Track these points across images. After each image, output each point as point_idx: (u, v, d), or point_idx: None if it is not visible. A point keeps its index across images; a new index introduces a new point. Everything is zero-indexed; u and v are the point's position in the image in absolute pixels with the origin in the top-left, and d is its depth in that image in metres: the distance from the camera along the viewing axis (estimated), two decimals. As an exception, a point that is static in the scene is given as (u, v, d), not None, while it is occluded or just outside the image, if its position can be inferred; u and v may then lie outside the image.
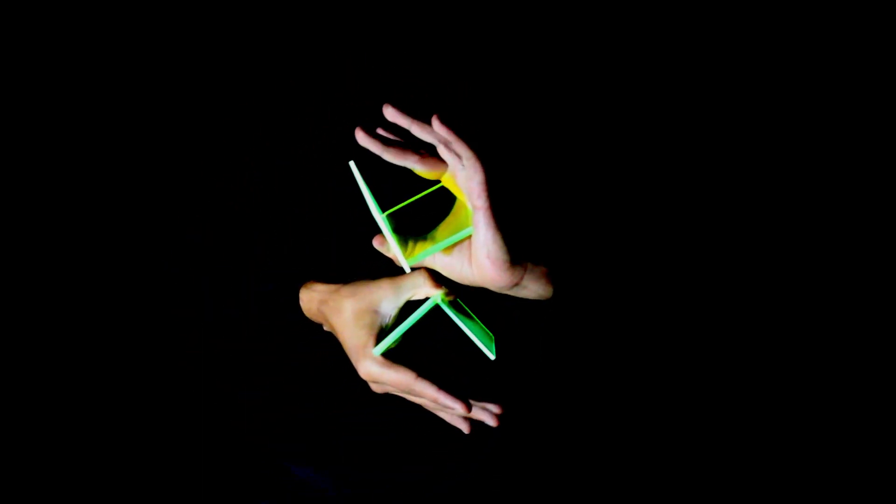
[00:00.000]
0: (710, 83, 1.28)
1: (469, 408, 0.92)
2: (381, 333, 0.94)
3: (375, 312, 0.95)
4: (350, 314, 0.96)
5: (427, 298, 0.95)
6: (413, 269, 0.93)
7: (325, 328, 1.02)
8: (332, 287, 1.00)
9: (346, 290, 0.98)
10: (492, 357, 0.93)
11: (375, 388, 0.96)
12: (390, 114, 0.88)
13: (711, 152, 1.28)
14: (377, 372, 0.93)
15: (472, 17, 1.08)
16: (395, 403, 1.00)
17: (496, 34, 1.09)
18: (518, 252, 0.89)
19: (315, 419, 1.14)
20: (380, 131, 0.90)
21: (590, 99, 1.12)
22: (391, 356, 0.93)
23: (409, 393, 0.94)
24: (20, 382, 1.49)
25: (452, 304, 0.94)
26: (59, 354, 1.50)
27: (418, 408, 0.98)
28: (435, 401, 0.92)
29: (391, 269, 0.95)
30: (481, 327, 0.96)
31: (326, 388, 1.12)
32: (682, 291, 1.08)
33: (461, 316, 0.93)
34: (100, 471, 1.53)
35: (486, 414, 0.94)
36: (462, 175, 0.85)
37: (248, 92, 1.10)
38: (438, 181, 0.90)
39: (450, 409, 0.92)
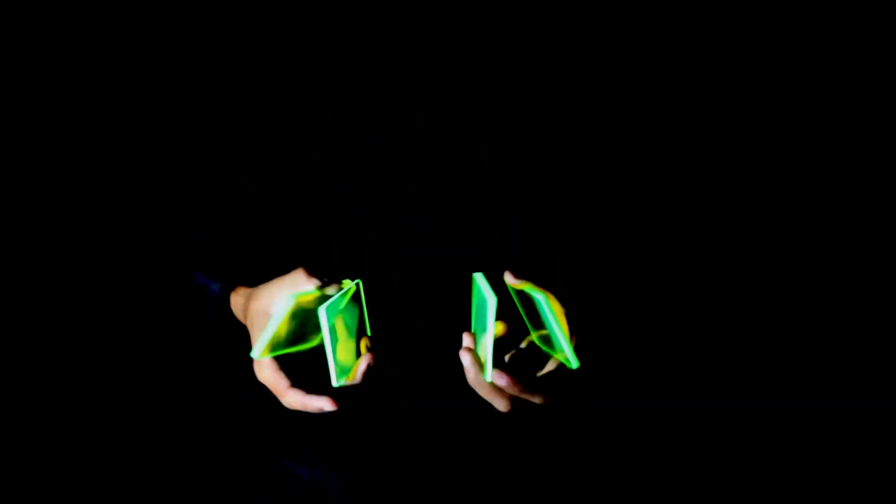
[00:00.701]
0: (701, 110, 1.28)
1: (336, 402, 0.88)
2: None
3: (268, 315, 0.92)
4: (252, 317, 0.93)
5: (315, 297, 0.88)
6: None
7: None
8: (250, 290, 0.97)
9: (255, 293, 0.94)
10: (333, 383, 0.88)
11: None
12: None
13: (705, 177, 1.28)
14: (265, 375, 0.89)
15: (472, 17, 1.08)
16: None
17: (496, 34, 1.09)
18: None
19: (315, 419, 1.14)
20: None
21: (590, 99, 1.12)
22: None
23: (282, 399, 0.90)
24: (20, 382, 1.49)
25: (328, 307, 0.85)
26: (59, 354, 1.50)
27: (418, 408, 0.98)
28: (303, 407, 0.88)
29: (393, 271, 0.95)
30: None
31: (326, 389, 1.12)
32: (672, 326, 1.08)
33: (333, 329, 0.86)
34: (100, 471, 1.53)
35: (324, 400, 0.89)
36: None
37: (248, 92, 1.10)
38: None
39: (317, 409, 0.88)
